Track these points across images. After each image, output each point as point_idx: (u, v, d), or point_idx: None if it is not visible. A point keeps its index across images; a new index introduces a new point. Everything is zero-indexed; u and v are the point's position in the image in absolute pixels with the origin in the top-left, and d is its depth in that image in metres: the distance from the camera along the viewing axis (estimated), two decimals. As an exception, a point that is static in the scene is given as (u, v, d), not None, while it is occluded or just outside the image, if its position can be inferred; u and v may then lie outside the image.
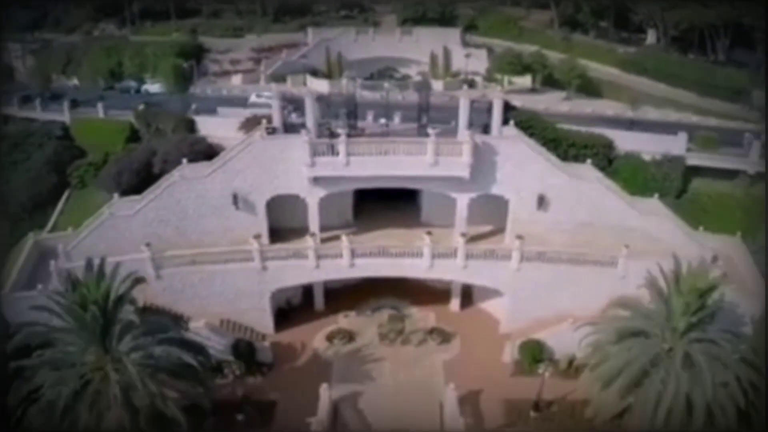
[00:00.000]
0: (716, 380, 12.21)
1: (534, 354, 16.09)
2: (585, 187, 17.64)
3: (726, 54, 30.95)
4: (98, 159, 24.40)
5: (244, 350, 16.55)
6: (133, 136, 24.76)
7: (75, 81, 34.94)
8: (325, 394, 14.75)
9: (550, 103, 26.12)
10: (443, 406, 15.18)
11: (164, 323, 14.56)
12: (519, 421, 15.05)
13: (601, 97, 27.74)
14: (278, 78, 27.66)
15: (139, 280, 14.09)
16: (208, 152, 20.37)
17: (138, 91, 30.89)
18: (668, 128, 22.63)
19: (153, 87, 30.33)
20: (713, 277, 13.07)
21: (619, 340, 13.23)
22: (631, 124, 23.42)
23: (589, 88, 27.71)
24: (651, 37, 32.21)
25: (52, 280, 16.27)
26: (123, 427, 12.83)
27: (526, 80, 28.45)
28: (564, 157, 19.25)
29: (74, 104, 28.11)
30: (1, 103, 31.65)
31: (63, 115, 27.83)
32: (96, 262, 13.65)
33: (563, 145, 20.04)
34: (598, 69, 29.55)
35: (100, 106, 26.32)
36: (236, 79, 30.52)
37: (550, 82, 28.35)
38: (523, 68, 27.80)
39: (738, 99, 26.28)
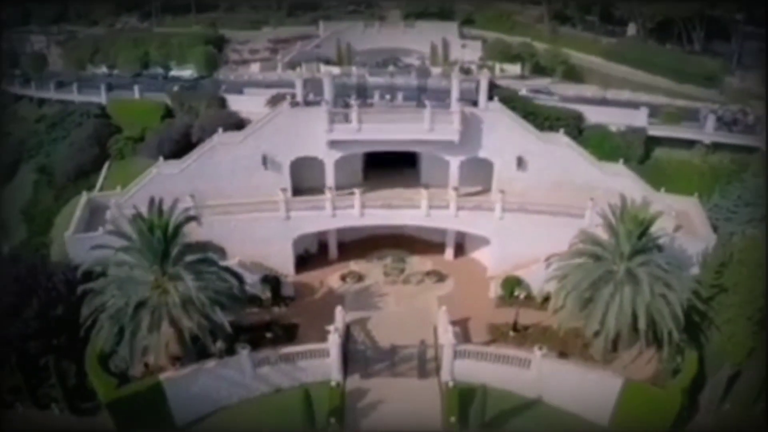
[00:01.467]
0: (655, 291, 15.81)
1: (512, 287, 19.74)
2: (557, 152, 21.45)
3: (702, 45, 34.69)
4: (135, 134, 28.47)
5: (272, 283, 20.39)
6: (167, 114, 28.60)
7: (104, 68, 39.28)
8: (340, 314, 18.51)
9: (537, 86, 29.31)
10: (437, 327, 18.90)
11: (210, 255, 17.97)
12: (500, 339, 18.78)
13: (584, 82, 31.43)
14: (293, 66, 31.87)
15: (190, 218, 17.78)
16: (238, 124, 24.40)
17: (165, 77, 34.88)
18: (637, 106, 25.90)
19: (180, 73, 34.31)
20: (653, 211, 16.53)
21: (577, 265, 16.82)
22: (603, 102, 26.84)
23: (573, 74, 31.67)
24: (631, 29, 36.03)
25: (107, 225, 19.65)
26: (180, 332, 16.36)
27: (516, 68, 32.09)
28: (540, 127, 22.89)
29: (109, 88, 32.08)
30: (39, 87, 36.68)
31: (99, 97, 31.88)
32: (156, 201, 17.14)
33: (540, 117, 23.93)
34: (582, 58, 33.48)
35: (136, 88, 30.34)
36: (255, 67, 34.46)
37: (538, 69, 32.18)
38: (513, 57, 31.78)
39: (708, 84, 29.88)
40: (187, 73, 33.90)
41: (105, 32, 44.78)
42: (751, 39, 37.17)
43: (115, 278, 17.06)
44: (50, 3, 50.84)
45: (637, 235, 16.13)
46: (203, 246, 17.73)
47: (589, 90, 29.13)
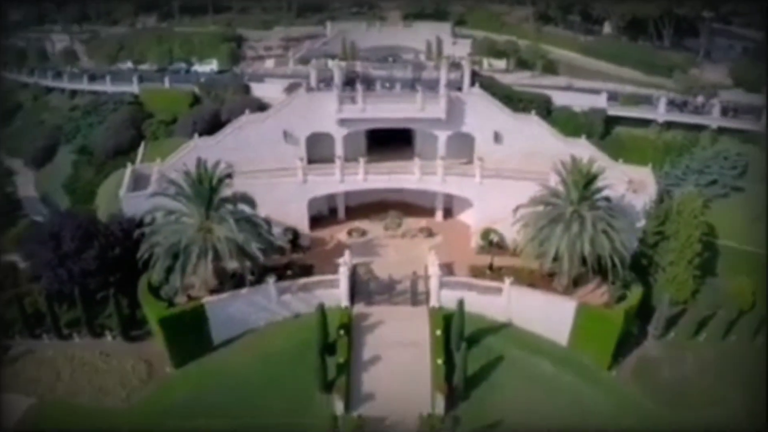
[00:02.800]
0: (598, 228, 20.79)
1: (489, 235, 24.97)
2: (528, 128, 26.82)
3: (670, 40, 40.45)
4: (167, 118, 34.24)
5: (291, 234, 25.67)
6: (195, 102, 34.35)
7: (129, 64, 44.86)
8: (347, 255, 23.45)
9: (520, 79, 35.08)
10: (427, 266, 24.03)
11: (244, 205, 23.20)
12: (479, 275, 23.82)
13: (564, 75, 36.72)
14: (304, 62, 37.61)
15: (228, 175, 22.86)
16: (261, 107, 30.02)
17: (188, 71, 40.74)
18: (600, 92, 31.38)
19: (201, 68, 40.22)
20: (597, 166, 21.46)
21: (536, 214, 21.95)
22: (570, 89, 32.27)
23: (551, 68, 37.09)
24: (607, 27, 41.99)
25: (152, 187, 24.83)
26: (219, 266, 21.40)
27: (501, 63, 37.95)
28: (515, 109, 28.14)
29: (139, 80, 38.23)
30: (71, 80, 42.53)
31: (131, 87, 37.85)
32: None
33: (514, 100, 29.34)
34: (563, 54, 39.11)
35: (166, 79, 36.32)
36: (269, 63, 40.40)
37: (522, 64, 37.71)
38: (499, 53, 37.44)
39: (671, 75, 35.26)
40: (209, 67, 39.79)
41: (127, 31, 51.10)
42: (721, 35, 43.79)
43: (168, 222, 22.38)
44: (73, 4, 57.54)
45: (582, 184, 21.26)
46: (240, 197, 23.00)
47: (561, 80, 34.74)
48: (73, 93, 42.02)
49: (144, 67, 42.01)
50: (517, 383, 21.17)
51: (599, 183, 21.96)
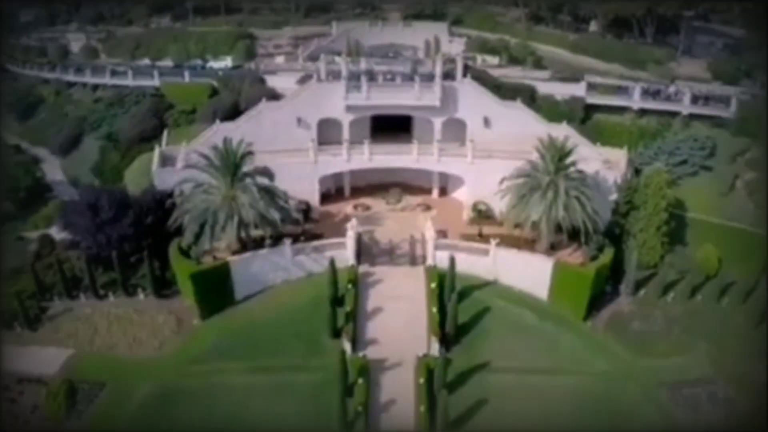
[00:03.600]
0: (571, 194, 24.89)
1: (477, 206, 28.98)
2: (514, 114, 30.97)
3: (652, 37, 44.98)
4: (188, 108, 38.59)
5: (303, 207, 29.68)
6: (213, 94, 38.58)
7: (146, 60, 49.47)
8: (354, 222, 27.45)
9: (509, 72, 39.32)
10: (423, 233, 27.96)
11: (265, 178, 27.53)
12: (469, 241, 27.75)
13: (549, 69, 41.23)
14: (312, 58, 42.31)
15: (250, 152, 26.90)
16: (275, 96, 34.23)
17: (203, 67, 45.29)
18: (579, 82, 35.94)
19: (216, 64, 44.87)
20: (571, 143, 25.75)
21: (517, 183, 26.11)
22: (554, 80, 36.88)
23: (540, 64, 41.39)
24: (593, 26, 46.63)
25: (179, 164, 29.24)
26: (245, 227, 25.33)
27: (494, 59, 42.27)
28: (503, 97, 32.10)
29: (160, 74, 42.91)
30: (93, 74, 47.18)
31: (153, 81, 42.33)
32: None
33: (502, 90, 33.47)
34: (552, 50, 43.72)
35: (186, 73, 41.01)
36: (280, 59, 44.88)
37: (513, 60, 42.04)
38: (491, 50, 41.88)
39: (655, 69, 39.95)
40: (223, 63, 44.45)
41: (143, 31, 56.25)
42: (703, 33, 48.25)
43: (197, 192, 26.46)
44: (89, 5, 62.20)
45: (557, 158, 25.51)
46: (261, 170, 27.16)
47: (547, 74, 39.15)
48: (95, 87, 46.68)
49: (161, 63, 46.72)
50: (501, 330, 25.16)
51: (572, 157, 26.11)
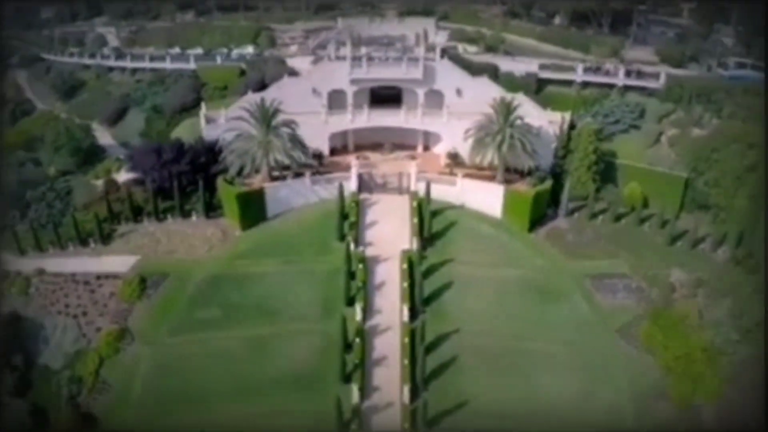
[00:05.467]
0: (515, 136, 37.10)
1: (450, 153, 41.01)
2: (480, 86, 43.23)
3: (610, 28, 58.17)
4: (221, 86, 50.77)
5: (317, 154, 41.58)
6: (242, 74, 50.83)
7: (177, 49, 61.24)
8: (356, 163, 39.85)
9: (486, 59, 51.27)
10: (409, 172, 39.82)
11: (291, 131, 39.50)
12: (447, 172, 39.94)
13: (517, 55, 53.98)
14: (321, 47, 54.18)
15: (278, 110, 38.68)
16: (294, 73, 46.83)
17: (229, 55, 57.43)
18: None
19: (240, 52, 57.14)
20: (516, 102, 38.11)
21: (477, 132, 38.12)
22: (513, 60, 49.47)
23: (512, 51, 53.49)
24: (558, 19, 60.09)
25: (220, 123, 41.08)
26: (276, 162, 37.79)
27: (473, 48, 54.51)
28: (472, 73, 44.36)
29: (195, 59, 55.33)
30: (133, 60, 59.50)
31: (189, 64, 54.48)
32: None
33: (472, 68, 45.72)
34: (523, 41, 56.41)
35: (218, 57, 53.35)
36: (293, 48, 57.56)
37: (489, 49, 54.08)
38: (470, 40, 54.17)
39: (608, 54, 51.98)
40: (246, 51, 56.90)
41: (171, 25, 68.73)
42: (655, 24, 61.86)
43: (239, 138, 38.81)
44: (121, 2, 75.00)
45: (506, 113, 37.75)
46: (287, 122, 39.46)
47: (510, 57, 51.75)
48: (134, 71, 59.24)
49: (191, 51, 58.95)
50: (465, 238, 37.36)
51: (517, 112, 38.30)
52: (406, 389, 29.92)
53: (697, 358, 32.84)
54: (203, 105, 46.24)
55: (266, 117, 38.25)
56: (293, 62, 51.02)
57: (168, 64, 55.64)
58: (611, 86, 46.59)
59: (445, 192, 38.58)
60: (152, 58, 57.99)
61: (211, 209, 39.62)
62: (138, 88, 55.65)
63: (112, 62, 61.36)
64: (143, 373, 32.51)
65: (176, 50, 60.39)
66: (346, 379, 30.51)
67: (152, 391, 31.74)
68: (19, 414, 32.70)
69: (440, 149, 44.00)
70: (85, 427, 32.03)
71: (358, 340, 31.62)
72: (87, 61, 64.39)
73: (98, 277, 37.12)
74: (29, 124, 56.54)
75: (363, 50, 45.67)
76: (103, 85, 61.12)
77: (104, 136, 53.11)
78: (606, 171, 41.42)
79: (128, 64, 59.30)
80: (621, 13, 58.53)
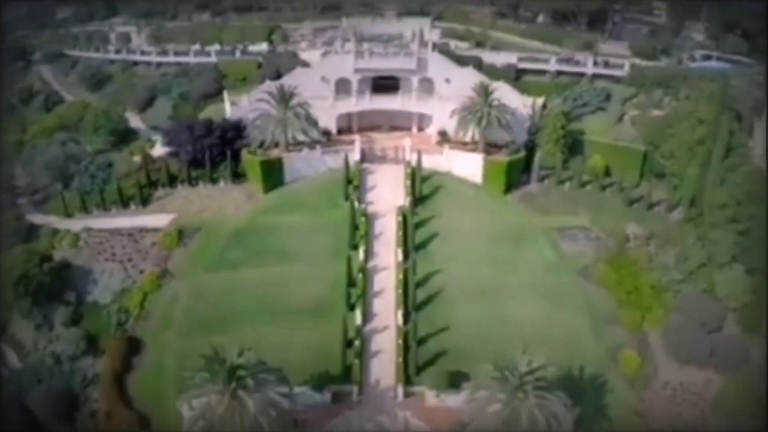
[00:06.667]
0: (493, 114, 46.86)
1: (441, 131, 50.80)
2: (466, 75, 53.12)
3: (587, 25, 68.64)
4: (240, 76, 60.75)
5: (326, 131, 51.40)
6: (259, 66, 60.66)
7: (197, 46, 70.87)
8: (359, 138, 50.36)
9: (472, 52, 62.01)
10: (404, 146, 49.81)
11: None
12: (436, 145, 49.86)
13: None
14: (327, 44, 64.03)
15: (293, 93, 48.14)
16: (306, 64, 57.22)
17: (244, 51, 67.12)
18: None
19: (255, 48, 67.01)
20: (493, 87, 48.25)
21: (461, 111, 47.85)
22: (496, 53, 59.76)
23: (498, 47, 63.42)
24: (541, 18, 70.60)
25: (243, 105, 51.09)
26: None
27: (464, 44, 64.35)
28: (459, 64, 54.37)
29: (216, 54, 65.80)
30: (158, 54, 69.12)
31: (210, 58, 64.62)
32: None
33: (459, 60, 55.89)
34: (508, 38, 66.48)
35: (237, 52, 62.73)
36: (303, 44, 67.63)
37: (478, 45, 64.12)
38: (461, 37, 64.25)
39: (583, 49, 62.12)
40: (260, 47, 66.90)
41: (189, 24, 78.59)
42: (630, 21, 72.72)
43: (261, 117, 48.43)
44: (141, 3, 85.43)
45: (485, 95, 47.53)
46: (302, 103, 49.15)
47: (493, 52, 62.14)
48: (159, 65, 69.02)
49: (211, 48, 68.90)
50: (450, 198, 47.10)
51: (495, 95, 47.93)
52: (400, 314, 39.22)
53: (645, 293, 42.25)
54: (225, 93, 56.84)
55: (284, 99, 48.37)
56: (304, 55, 61.75)
57: (191, 58, 66.20)
58: (582, 75, 57.07)
59: (434, 161, 48.55)
60: (176, 53, 68.53)
61: (237, 176, 49.40)
62: (164, 80, 66.03)
63: (138, 57, 71.69)
64: (181, 303, 41.99)
65: (197, 47, 70.26)
66: (351, 307, 39.90)
67: (189, 317, 41.14)
68: (74, 338, 42.00)
69: (431, 129, 53.91)
70: (132, 347, 41.11)
71: (360, 276, 41.12)
72: (113, 56, 74.77)
73: (140, 230, 46.85)
74: (66, 109, 66.94)
75: (365, 45, 55.84)
76: (129, 77, 71.27)
77: (135, 121, 63.19)
78: (574, 146, 51.34)
79: (153, 58, 69.80)
80: (598, 12, 69.25)
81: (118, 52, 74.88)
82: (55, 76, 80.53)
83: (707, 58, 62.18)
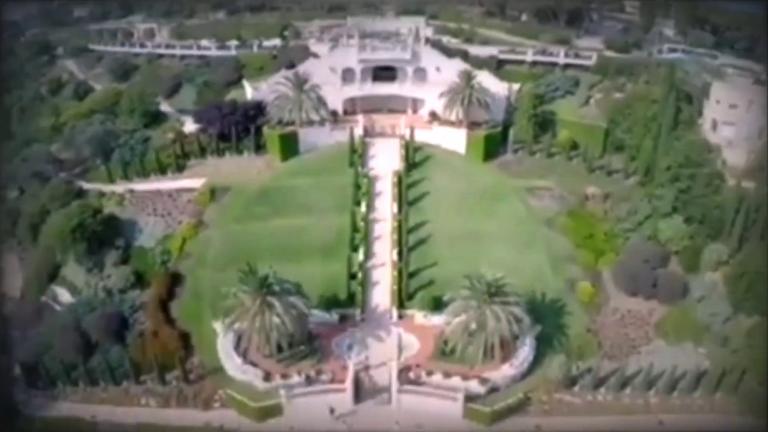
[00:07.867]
0: (473, 97, 59.68)
1: (431, 112, 63.62)
2: (454, 65, 66.06)
3: (566, 22, 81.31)
4: (257, 67, 73.34)
5: (334, 112, 63.81)
6: (274, 58, 72.64)
7: (214, 41, 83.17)
8: (362, 117, 63.40)
9: (459, 46, 75.18)
10: (399, 123, 62.59)
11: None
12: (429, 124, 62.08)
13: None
14: (334, 40, 76.52)
15: (307, 79, 60.13)
16: (316, 56, 70.32)
17: (260, 46, 79.29)
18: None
19: (269, 43, 79.61)
20: (473, 74, 61.29)
21: (448, 94, 60.71)
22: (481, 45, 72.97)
23: (485, 41, 75.87)
24: (524, 16, 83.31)
25: (263, 89, 63.77)
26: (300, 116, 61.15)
27: (455, 39, 76.99)
28: (447, 56, 67.60)
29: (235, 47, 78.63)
30: (182, 48, 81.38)
31: (230, 51, 77.36)
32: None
33: (449, 52, 69.11)
34: (495, 34, 79.31)
35: (255, 46, 75.14)
36: (312, 40, 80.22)
37: (467, 40, 76.28)
38: (452, 34, 76.64)
39: (560, 43, 74.42)
40: (274, 42, 79.59)
41: (207, 22, 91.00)
42: (607, 19, 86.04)
43: (279, 98, 61.14)
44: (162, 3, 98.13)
45: (467, 80, 60.51)
46: (314, 86, 61.98)
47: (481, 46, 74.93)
48: (182, 57, 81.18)
49: (230, 43, 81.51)
50: (438, 166, 59.68)
51: (476, 80, 60.73)
52: (395, 253, 50.75)
53: (600, 239, 54.08)
54: (244, 80, 69.69)
55: (299, 84, 61.16)
56: (315, 48, 75.03)
57: (213, 51, 79.94)
58: (555, 65, 70.10)
59: (425, 136, 61.49)
60: (199, 47, 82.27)
61: (259, 148, 62.08)
62: (187, 70, 79.64)
63: (163, 50, 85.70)
64: (215, 246, 54.04)
65: (216, 42, 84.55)
66: (354, 248, 51.86)
67: (221, 256, 52.94)
68: (124, 275, 53.10)
69: (424, 111, 66.43)
70: (174, 280, 52.37)
71: (362, 224, 52.75)
72: (138, 50, 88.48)
73: (178, 191, 59.23)
74: (99, 96, 79.44)
75: (367, 40, 68.25)
76: (154, 69, 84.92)
77: (164, 105, 75.93)
78: (545, 123, 64.14)
79: (177, 51, 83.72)
80: (576, 11, 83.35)
81: (143, 46, 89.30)
82: (81, 69, 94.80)
83: (673, 50, 75.64)
